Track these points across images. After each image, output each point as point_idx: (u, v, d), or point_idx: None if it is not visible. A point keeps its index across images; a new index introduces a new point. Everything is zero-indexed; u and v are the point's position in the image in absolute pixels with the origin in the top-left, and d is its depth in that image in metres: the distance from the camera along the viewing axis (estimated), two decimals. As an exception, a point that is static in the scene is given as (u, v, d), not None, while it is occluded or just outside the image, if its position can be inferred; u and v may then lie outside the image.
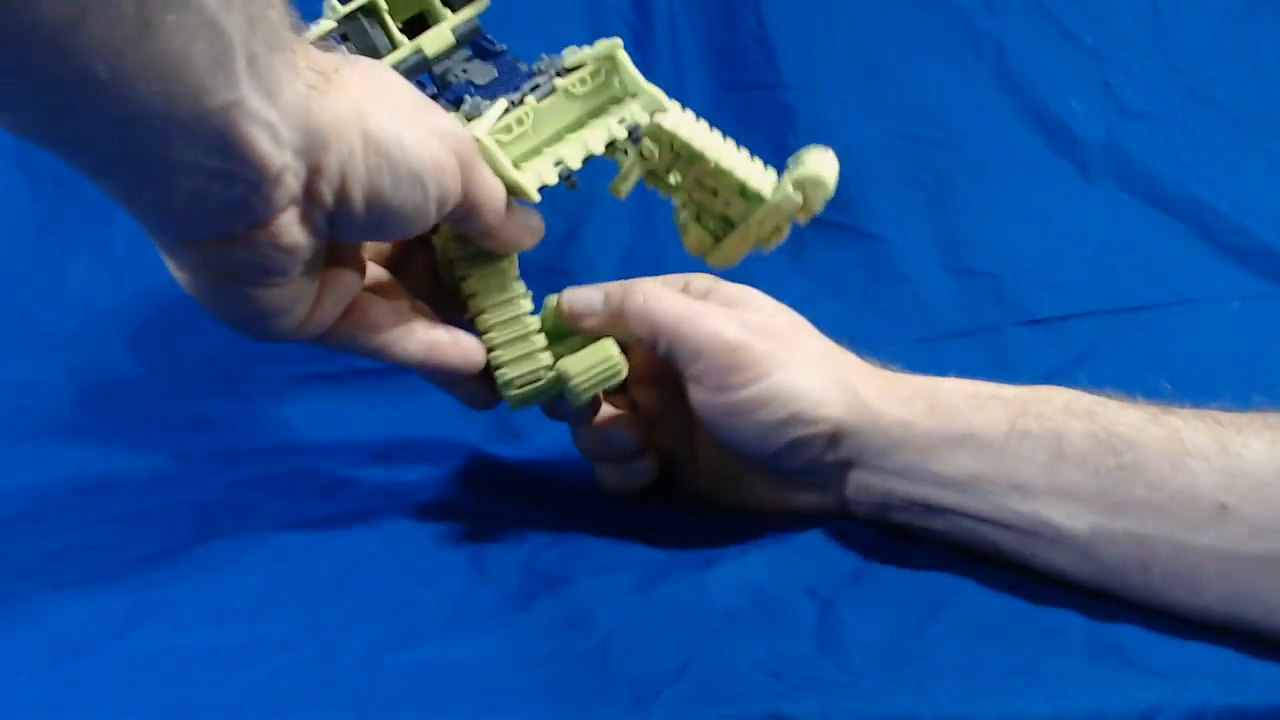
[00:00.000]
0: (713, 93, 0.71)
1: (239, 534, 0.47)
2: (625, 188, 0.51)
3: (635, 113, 0.48)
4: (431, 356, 0.47)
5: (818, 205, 0.51)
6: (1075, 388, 0.46)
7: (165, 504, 0.52)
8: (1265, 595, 0.40)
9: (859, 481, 0.47)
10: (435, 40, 0.49)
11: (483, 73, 0.50)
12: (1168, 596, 0.42)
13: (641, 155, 0.50)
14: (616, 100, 0.49)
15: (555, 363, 0.48)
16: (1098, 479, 0.42)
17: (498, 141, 0.46)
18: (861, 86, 0.72)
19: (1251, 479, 0.40)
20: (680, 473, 0.53)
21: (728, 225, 0.53)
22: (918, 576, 0.44)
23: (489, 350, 0.48)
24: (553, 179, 0.47)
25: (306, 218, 0.39)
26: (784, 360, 0.46)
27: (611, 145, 0.48)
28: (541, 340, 0.48)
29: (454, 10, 0.50)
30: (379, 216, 0.40)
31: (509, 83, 0.49)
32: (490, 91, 0.49)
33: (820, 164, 0.50)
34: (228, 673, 0.37)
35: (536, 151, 0.47)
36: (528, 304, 0.48)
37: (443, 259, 0.49)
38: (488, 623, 0.41)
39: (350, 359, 0.65)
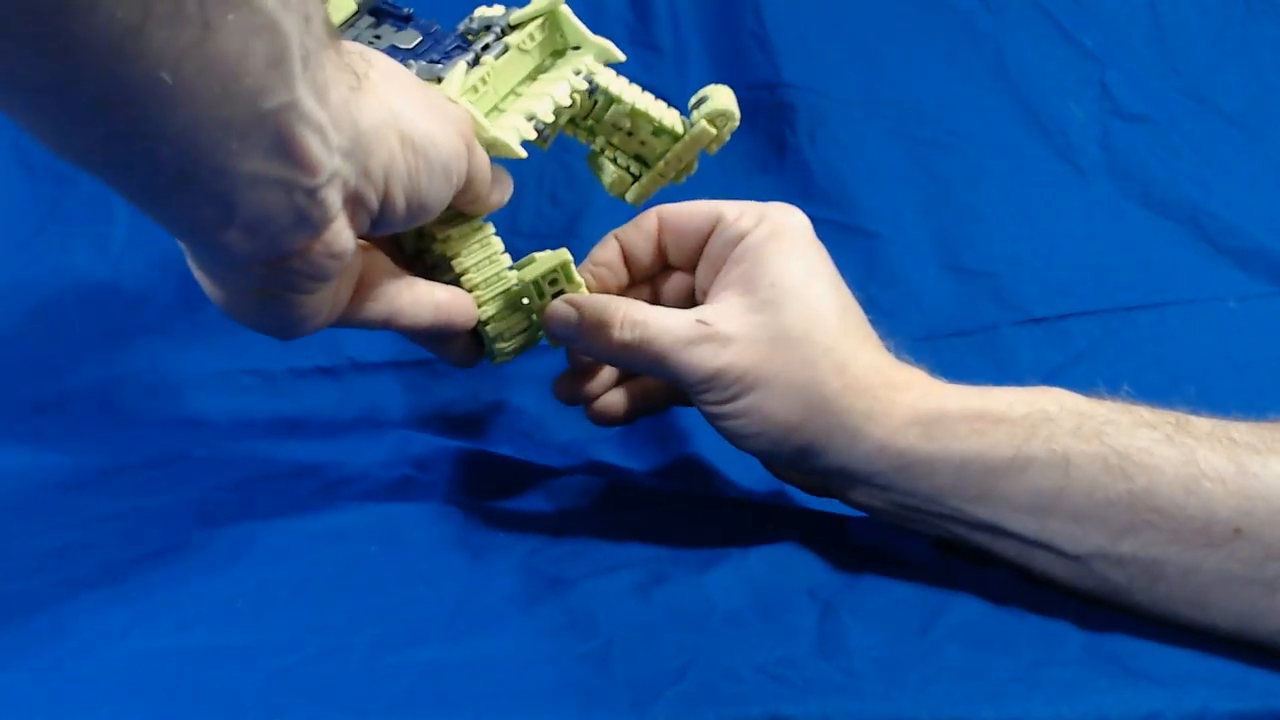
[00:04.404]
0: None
1: (240, 533, 0.47)
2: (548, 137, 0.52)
3: (590, 64, 0.50)
4: (440, 317, 0.47)
5: (727, 135, 0.53)
6: (1083, 392, 0.45)
7: (166, 502, 0.52)
8: (1276, 615, 0.40)
9: (851, 486, 0.47)
10: (338, 8, 0.49)
11: (404, 38, 0.49)
12: (1173, 611, 0.41)
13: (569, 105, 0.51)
14: (559, 52, 0.50)
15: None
16: (1105, 505, 0.41)
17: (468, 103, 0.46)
18: (861, 86, 0.72)
19: (1268, 501, 0.39)
20: None
21: (642, 163, 0.54)
22: (918, 579, 0.44)
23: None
24: (531, 134, 0.48)
25: (354, 221, 0.39)
26: (765, 379, 0.46)
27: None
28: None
29: None
30: (415, 212, 0.41)
31: (436, 46, 0.49)
32: (422, 54, 0.48)
33: (725, 98, 0.53)
34: (229, 673, 0.37)
35: (497, 109, 0.48)
36: (507, 259, 0.49)
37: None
38: (489, 623, 0.41)
39: (350, 353, 0.66)
